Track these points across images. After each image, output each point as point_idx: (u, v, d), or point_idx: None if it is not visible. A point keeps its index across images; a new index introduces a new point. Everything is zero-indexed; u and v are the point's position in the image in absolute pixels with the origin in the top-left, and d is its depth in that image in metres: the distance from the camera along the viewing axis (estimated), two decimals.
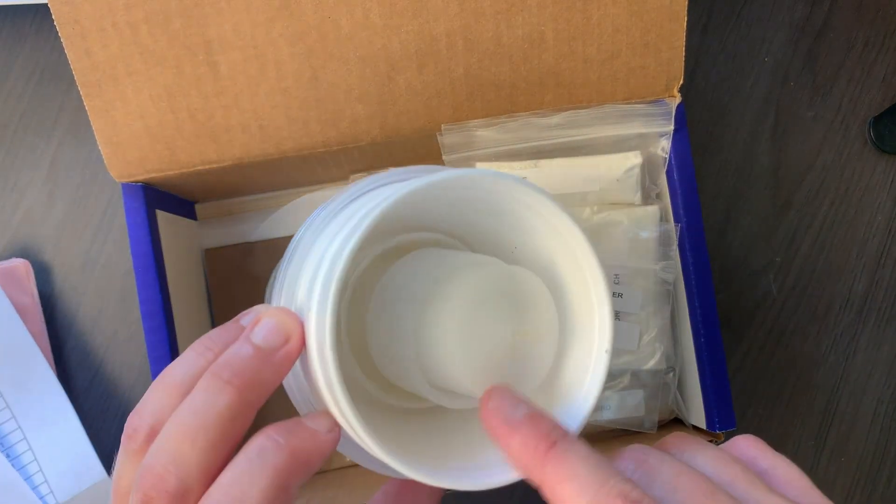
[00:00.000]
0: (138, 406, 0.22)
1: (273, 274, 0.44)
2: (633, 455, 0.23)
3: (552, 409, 0.26)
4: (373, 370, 0.28)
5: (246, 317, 0.25)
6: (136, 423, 0.22)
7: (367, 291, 0.27)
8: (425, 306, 0.24)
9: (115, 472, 0.23)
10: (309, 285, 0.23)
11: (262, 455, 0.21)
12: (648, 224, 0.39)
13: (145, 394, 0.23)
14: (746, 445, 0.24)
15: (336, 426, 0.23)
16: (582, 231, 0.24)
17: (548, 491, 0.21)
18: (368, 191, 0.27)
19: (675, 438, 0.24)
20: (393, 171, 0.28)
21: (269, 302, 0.38)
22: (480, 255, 0.27)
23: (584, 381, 0.25)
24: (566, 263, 0.25)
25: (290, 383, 0.26)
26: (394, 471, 0.22)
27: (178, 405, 0.22)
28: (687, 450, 0.23)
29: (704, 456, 0.23)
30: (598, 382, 0.25)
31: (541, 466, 0.21)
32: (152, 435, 0.21)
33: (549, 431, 0.21)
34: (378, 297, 0.27)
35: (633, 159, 0.39)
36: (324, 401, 0.23)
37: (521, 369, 0.25)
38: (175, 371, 0.23)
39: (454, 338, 0.23)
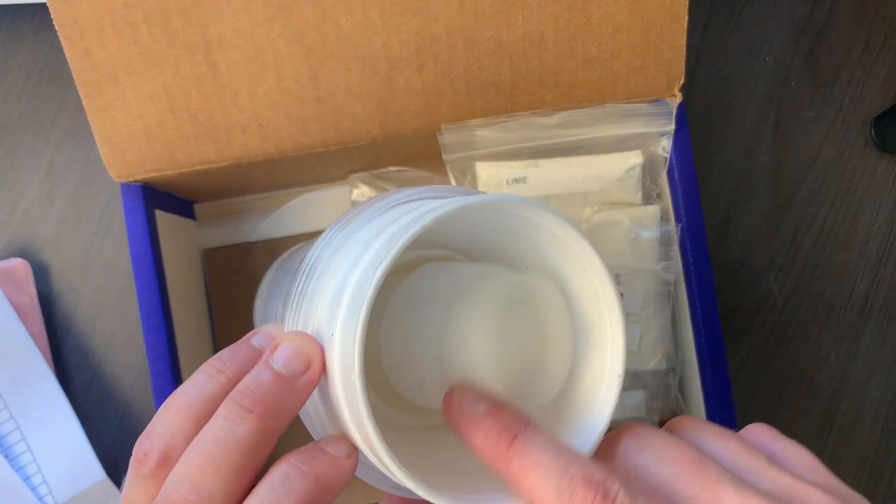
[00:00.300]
0: (148, 429, 0.22)
1: (262, 285, 0.43)
2: (629, 428, 0.23)
3: (563, 432, 0.26)
4: (383, 387, 0.28)
5: (255, 337, 0.24)
6: (147, 446, 0.21)
7: (379, 306, 0.27)
8: (447, 316, 0.24)
9: (123, 495, 0.22)
10: (329, 308, 0.22)
11: (286, 483, 0.21)
12: (649, 224, 0.39)
13: (155, 416, 0.22)
14: (758, 432, 0.24)
15: (354, 451, 0.22)
16: (602, 261, 0.24)
17: (514, 483, 0.21)
18: (387, 210, 0.26)
19: (682, 419, 0.24)
20: (409, 190, 0.28)
21: (265, 314, 0.37)
22: (494, 266, 0.27)
23: (594, 405, 0.25)
24: (582, 287, 0.25)
25: (306, 406, 0.26)
26: (407, 490, 0.22)
27: (191, 429, 0.21)
28: (689, 428, 0.23)
29: (706, 434, 0.23)
30: (610, 407, 0.25)
31: (505, 460, 0.21)
32: (164, 459, 0.21)
33: (510, 424, 0.21)
34: (392, 313, 0.26)
35: (634, 159, 0.39)
36: (344, 426, 0.22)
37: (543, 376, 0.24)
38: (186, 394, 0.22)
39: (483, 345, 0.23)
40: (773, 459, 0.22)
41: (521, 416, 0.22)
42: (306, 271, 0.26)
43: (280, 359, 0.22)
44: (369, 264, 0.22)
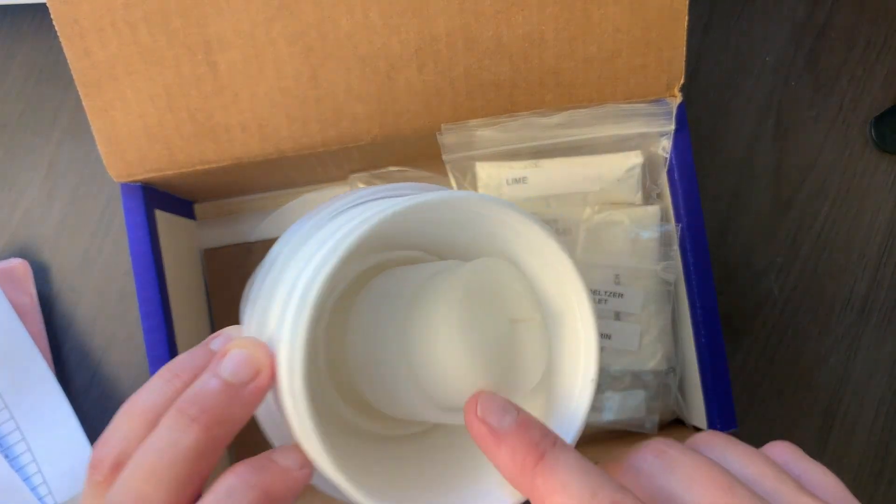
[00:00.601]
0: (103, 435, 0.22)
1: (249, 282, 0.43)
2: (654, 446, 0.22)
3: None
4: (354, 397, 0.27)
5: (215, 340, 0.24)
6: (101, 453, 0.21)
7: (345, 313, 0.26)
8: (408, 316, 0.23)
9: (81, 501, 0.22)
10: (281, 311, 0.22)
11: (231, 495, 0.20)
12: (649, 224, 0.39)
13: (111, 422, 0.22)
14: (781, 450, 0.23)
15: (308, 462, 0.22)
16: (570, 258, 0.23)
17: (537, 503, 0.20)
18: (349, 208, 0.26)
19: (706, 435, 0.23)
20: (381, 187, 0.27)
21: (243, 315, 0.37)
22: (451, 261, 0.26)
23: (567, 410, 0.24)
24: (553, 289, 0.25)
25: (262, 412, 0.25)
26: None
27: (145, 435, 0.21)
28: (716, 446, 0.23)
29: (733, 453, 0.22)
30: (583, 412, 0.24)
31: (530, 479, 0.20)
32: (117, 466, 0.21)
33: (538, 441, 0.21)
34: (356, 320, 0.25)
35: (634, 159, 0.39)
36: (294, 436, 0.22)
37: (522, 359, 0.23)
38: (141, 399, 0.22)
39: (452, 335, 0.22)
40: (800, 482, 0.21)
41: (549, 432, 0.21)
42: (266, 270, 0.25)
43: (228, 366, 0.21)
44: (316, 267, 0.21)
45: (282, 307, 0.22)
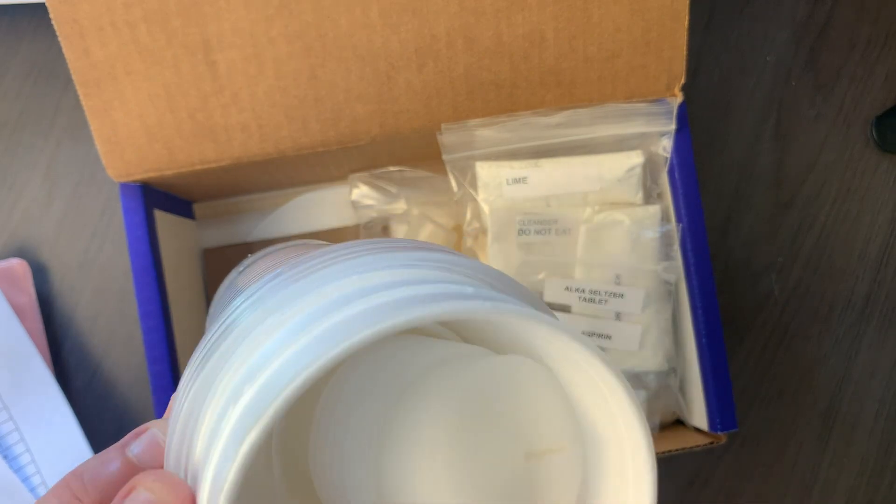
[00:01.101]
0: None
1: (214, 299, 0.33)
2: None
3: None
4: (310, 494, 0.21)
5: (134, 443, 0.19)
6: None
7: (314, 394, 0.20)
8: (386, 421, 0.17)
9: None
10: (213, 430, 0.16)
11: None
12: (650, 224, 0.39)
13: None
14: None
15: None
16: (619, 378, 0.17)
17: None
18: (349, 274, 0.18)
19: None
20: (413, 250, 0.20)
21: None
22: (467, 346, 0.20)
23: None
24: (595, 410, 0.18)
25: None
26: None
27: None
28: None
29: None
30: None
31: None
32: None
33: None
34: (324, 411, 0.19)
35: (635, 159, 0.39)
36: None
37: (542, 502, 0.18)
38: None
39: (440, 470, 0.16)
40: None
41: None
42: (219, 333, 0.18)
43: None
44: (269, 383, 0.15)
45: (215, 421, 0.16)
